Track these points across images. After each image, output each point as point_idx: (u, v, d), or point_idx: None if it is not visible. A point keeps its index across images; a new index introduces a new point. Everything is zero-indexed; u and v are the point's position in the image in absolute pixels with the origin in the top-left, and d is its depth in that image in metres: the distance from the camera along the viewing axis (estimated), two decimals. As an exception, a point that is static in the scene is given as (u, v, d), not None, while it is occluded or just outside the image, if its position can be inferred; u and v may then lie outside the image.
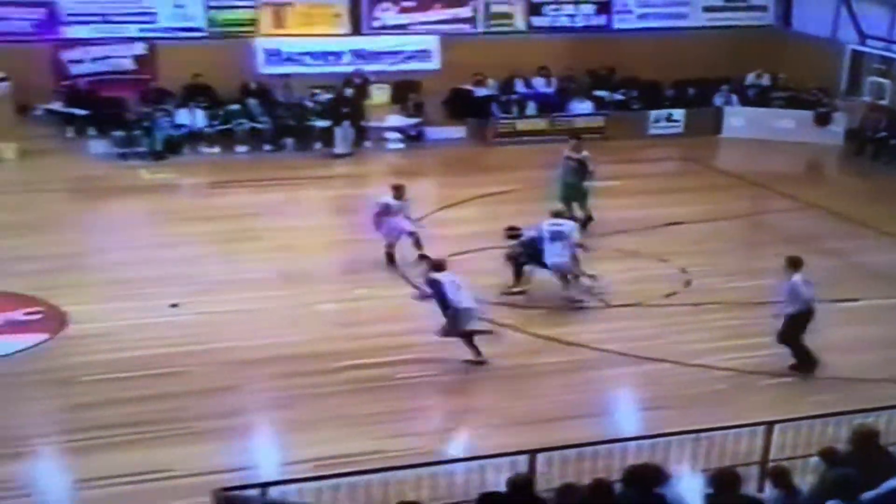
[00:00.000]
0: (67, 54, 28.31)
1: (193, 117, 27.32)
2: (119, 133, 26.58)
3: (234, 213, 22.10)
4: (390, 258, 19.09)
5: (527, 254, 18.09)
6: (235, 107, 27.89)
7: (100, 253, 20.15)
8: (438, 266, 15.74)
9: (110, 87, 28.22)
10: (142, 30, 28.81)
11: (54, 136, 26.85)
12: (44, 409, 13.97)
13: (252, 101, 28.04)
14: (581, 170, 21.13)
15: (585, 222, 20.85)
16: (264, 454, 13.31)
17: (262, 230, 20.99)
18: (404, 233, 19.19)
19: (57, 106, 27.60)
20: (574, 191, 21.12)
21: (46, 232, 20.65)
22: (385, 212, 19.09)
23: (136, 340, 15.88)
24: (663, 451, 11.18)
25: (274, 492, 10.36)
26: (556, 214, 18.30)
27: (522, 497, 9.55)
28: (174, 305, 16.98)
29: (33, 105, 27.54)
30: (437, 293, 15.33)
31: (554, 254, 17.58)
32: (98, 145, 26.55)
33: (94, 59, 28.54)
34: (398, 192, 19.33)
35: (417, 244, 19.24)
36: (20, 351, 15.66)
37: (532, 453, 10.66)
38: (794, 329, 15.31)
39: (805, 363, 15.39)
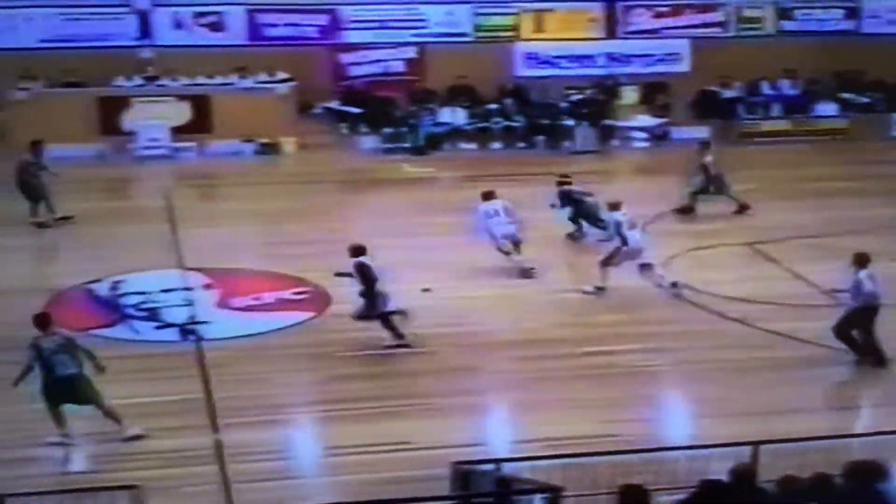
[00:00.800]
0: (347, 57, 29.11)
1: (455, 115, 27.65)
2: (387, 130, 27.16)
3: (486, 205, 22.12)
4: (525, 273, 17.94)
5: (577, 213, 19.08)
6: (493, 106, 28.09)
7: (364, 239, 20.46)
8: (360, 250, 15.31)
9: (383, 88, 28.91)
10: (414, 35, 29.33)
11: (330, 132, 27.63)
12: (303, 381, 14.32)
13: (508, 101, 28.15)
14: (702, 171, 21.28)
15: (741, 209, 21.18)
16: (499, 432, 13.26)
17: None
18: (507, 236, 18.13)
19: (334, 104, 28.41)
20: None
21: (317, 219, 21.21)
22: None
23: (390, 321, 16.13)
24: (886, 448, 10.52)
25: (507, 467, 10.28)
26: (613, 206, 17.39)
27: (744, 486, 9.23)
28: (426, 290, 17.08)
29: (314, 104, 28.43)
30: (365, 277, 14.97)
31: (637, 238, 17.04)
32: (368, 141, 27.18)
33: (371, 62, 29.24)
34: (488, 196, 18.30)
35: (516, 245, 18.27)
36: (288, 327, 16.11)
37: (756, 444, 10.23)
38: (850, 323, 14.50)
39: (866, 353, 14.55)
